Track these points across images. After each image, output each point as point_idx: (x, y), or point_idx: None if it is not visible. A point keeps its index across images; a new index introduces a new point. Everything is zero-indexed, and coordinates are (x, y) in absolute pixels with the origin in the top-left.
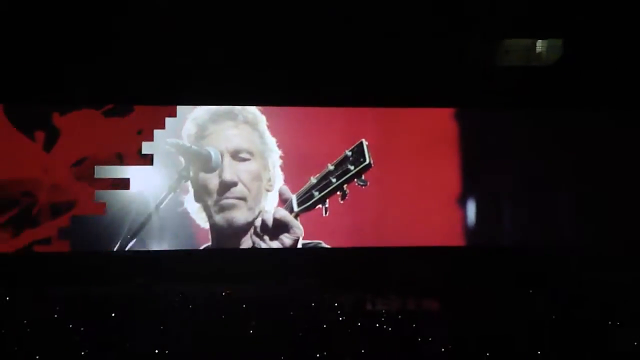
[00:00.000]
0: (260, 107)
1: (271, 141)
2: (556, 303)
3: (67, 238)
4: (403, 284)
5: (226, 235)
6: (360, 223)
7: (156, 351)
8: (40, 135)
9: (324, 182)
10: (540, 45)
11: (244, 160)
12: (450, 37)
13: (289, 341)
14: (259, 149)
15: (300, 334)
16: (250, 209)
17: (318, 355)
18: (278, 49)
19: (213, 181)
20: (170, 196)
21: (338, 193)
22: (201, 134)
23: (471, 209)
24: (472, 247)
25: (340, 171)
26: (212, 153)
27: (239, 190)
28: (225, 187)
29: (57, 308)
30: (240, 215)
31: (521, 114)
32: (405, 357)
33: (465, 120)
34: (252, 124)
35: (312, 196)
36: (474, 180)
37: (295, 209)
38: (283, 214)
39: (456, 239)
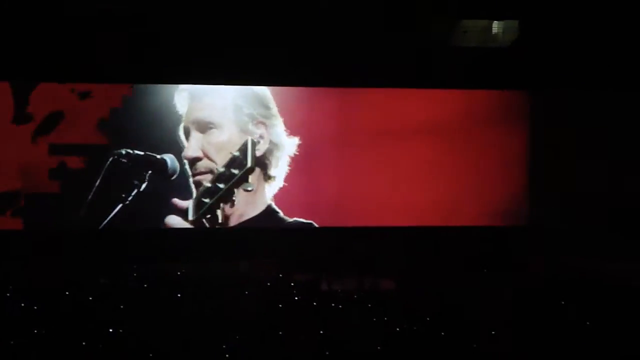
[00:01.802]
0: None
1: (245, 110)
2: (513, 283)
3: (20, 216)
4: (359, 264)
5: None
6: (319, 202)
7: (110, 330)
8: None
9: (213, 188)
10: (496, 26)
11: (212, 131)
12: (407, 17)
13: (244, 321)
14: (230, 118)
15: (255, 314)
16: (216, 181)
17: (273, 335)
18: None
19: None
20: (118, 208)
21: (233, 196)
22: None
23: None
24: (429, 227)
25: (227, 175)
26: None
27: (203, 164)
28: (191, 163)
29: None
30: (200, 189)
31: (478, 94)
32: (360, 337)
33: (422, 100)
34: (223, 93)
35: (203, 203)
36: (439, 160)
37: (191, 217)
38: (176, 222)
39: (412, 219)
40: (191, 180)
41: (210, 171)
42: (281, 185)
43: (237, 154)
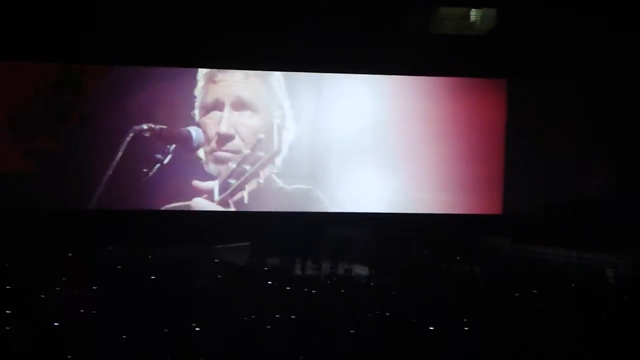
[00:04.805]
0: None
1: (278, 98)
2: (482, 272)
3: None
4: (335, 250)
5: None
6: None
7: (93, 313)
8: None
9: (240, 169)
10: (474, 14)
11: (245, 112)
12: (385, 4)
13: (218, 303)
14: (265, 103)
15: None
16: (242, 163)
17: (245, 319)
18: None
19: (211, 130)
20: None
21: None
22: (210, 81)
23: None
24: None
25: (254, 157)
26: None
27: (235, 143)
28: (223, 139)
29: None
30: (228, 169)
31: (455, 82)
32: (334, 322)
33: (399, 87)
34: (260, 77)
35: (229, 184)
36: (415, 147)
37: (216, 197)
38: (202, 204)
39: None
40: (213, 157)
41: (239, 151)
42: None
43: (262, 136)
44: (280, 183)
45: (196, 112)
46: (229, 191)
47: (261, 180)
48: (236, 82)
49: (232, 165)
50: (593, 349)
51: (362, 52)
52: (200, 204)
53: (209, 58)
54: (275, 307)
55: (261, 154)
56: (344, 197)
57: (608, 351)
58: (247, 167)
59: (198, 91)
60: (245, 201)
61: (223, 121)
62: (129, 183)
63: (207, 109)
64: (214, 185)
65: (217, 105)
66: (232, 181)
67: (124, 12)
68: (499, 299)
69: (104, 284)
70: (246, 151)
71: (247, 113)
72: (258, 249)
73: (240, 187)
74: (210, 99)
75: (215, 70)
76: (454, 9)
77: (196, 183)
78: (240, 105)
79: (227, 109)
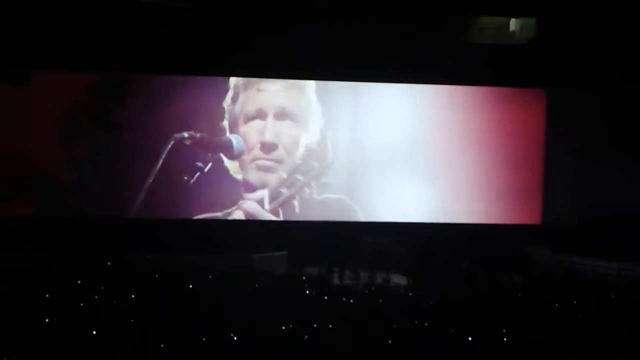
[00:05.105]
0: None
1: (317, 108)
2: (521, 283)
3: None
4: (373, 260)
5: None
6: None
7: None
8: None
9: (291, 179)
10: (514, 23)
11: (286, 121)
12: (425, 14)
13: (254, 313)
14: (304, 113)
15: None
16: (284, 172)
17: (283, 328)
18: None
19: (253, 138)
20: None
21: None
22: (255, 86)
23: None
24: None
25: (306, 167)
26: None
27: (278, 153)
28: (266, 148)
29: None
30: (271, 178)
31: (494, 91)
32: (371, 332)
33: (437, 96)
34: (300, 87)
35: (280, 193)
36: (453, 157)
37: (267, 206)
38: (255, 210)
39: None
40: (254, 165)
41: (281, 160)
42: None
43: (316, 147)
44: (313, 193)
45: (238, 120)
46: (280, 199)
47: (314, 190)
48: (278, 91)
49: (275, 175)
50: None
51: (401, 61)
52: (253, 209)
53: (248, 67)
54: (313, 316)
55: (315, 164)
56: (380, 207)
57: None
58: (300, 177)
59: (239, 100)
60: (297, 210)
61: (267, 130)
62: (169, 191)
63: (247, 118)
64: (264, 194)
65: (260, 114)
66: (284, 190)
67: (161, 21)
68: (538, 310)
69: (141, 293)
70: (289, 160)
71: (288, 122)
72: (296, 259)
73: (292, 197)
74: (251, 107)
75: (255, 79)
76: (493, 18)
77: (246, 194)
78: (282, 114)
79: (270, 118)
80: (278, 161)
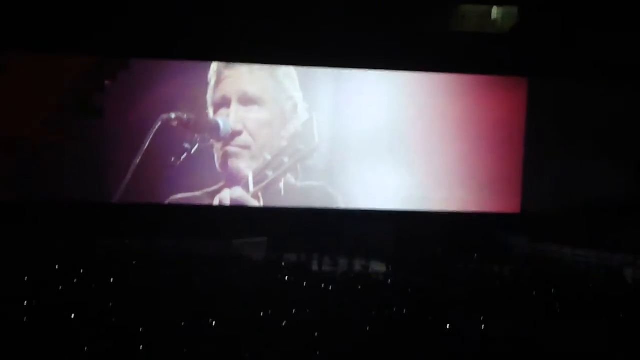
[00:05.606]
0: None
1: (289, 89)
2: (499, 271)
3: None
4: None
5: (235, 179)
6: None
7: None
8: None
9: (277, 161)
10: (495, 12)
11: (252, 106)
12: (408, 1)
13: (234, 298)
14: (273, 96)
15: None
16: (253, 157)
17: (262, 314)
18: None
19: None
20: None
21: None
22: (218, 78)
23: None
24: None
25: (293, 149)
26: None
27: (243, 139)
28: (231, 134)
29: None
30: (242, 164)
31: (475, 79)
32: (349, 318)
33: (419, 84)
34: (269, 71)
35: (266, 176)
36: (434, 144)
37: (252, 188)
38: (240, 194)
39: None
40: (223, 152)
41: (248, 147)
42: None
43: (301, 129)
44: (292, 180)
45: (209, 110)
46: (265, 183)
47: (299, 174)
48: (242, 76)
49: (242, 161)
50: (610, 348)
51: (382, 48)
52: (238, 195)
53: (228, 52)
54: (291, 302)
55: (301, 146)
56: (360, 194)
57: (625, 350)
58: (285, 160)
59: (210, 89)
60: (282, 193)
61: (230, 117)
62: (155, 172)
63: (216, 106)
64: (248, 177)
65: (225, 102)
66: (269, 173)
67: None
68: (516, 298)
69: (120, 276)
70: (255, 146)
71: (255, 108)
72: (275, 245)
73: (278, 180)
74: (218, 95)
75: (222, 67)
76: (475, 6)
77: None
78: (246, 100)
79: (234, 105)
80: (243, 147)
